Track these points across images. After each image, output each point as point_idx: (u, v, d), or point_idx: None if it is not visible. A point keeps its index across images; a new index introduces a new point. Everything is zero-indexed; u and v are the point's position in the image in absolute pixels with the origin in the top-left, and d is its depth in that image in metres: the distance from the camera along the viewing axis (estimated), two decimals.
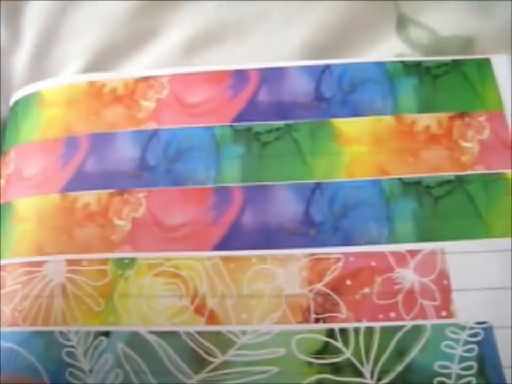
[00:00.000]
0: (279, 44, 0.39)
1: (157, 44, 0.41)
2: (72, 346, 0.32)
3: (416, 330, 0.31)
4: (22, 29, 0.43)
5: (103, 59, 0.41)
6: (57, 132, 0.37)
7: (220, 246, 0.33)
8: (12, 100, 0.39)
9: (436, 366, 0.30)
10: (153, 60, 0.40)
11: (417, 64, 0.36)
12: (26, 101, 0.38)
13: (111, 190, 0.35)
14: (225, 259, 0.33)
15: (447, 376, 0.30)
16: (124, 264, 0.33)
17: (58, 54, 0.41)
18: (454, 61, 0.36)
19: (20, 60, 0.42)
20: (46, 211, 0.35)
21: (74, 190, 0.35)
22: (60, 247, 0.34)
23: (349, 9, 0.40)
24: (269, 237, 0.33)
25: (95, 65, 0.40)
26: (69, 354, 0.32)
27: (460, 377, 0.30)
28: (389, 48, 0.38)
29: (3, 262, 0.35)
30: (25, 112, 0.38)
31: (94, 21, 0.42)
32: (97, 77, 0.38)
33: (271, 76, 0.36)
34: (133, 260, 0.33)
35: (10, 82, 0.42)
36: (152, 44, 0.41)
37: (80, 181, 0.35)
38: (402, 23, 0.39)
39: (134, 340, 0.32)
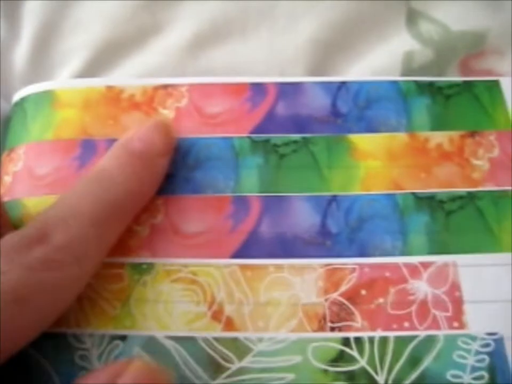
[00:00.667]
0: (285, 41, 0.39)
1: (161, 40, 0.40)
2: (86, 350, 0.31)
3: (429, 340, 0.31)
4: (22, 23, 0.41)
5: (105, 55, 0.40)
6: (72, 133, 0.36)
7: (237, 254, 0.33)
8: (17, 96, 0.39)
9: (449, 375, 0.30)
10: (157, 56, 0.39)
11: (430, 84, 0.36)
12: (37, 98, 0.37)
13: None
14: (243, 267, 0.33)
15: None
16: (142, 269, 0.33)
17: (59, 50, 0.41)
18: (465, 82, 0.36)
19: (20, 55, 0.41)
20: None
21: None
22: None
23: (357, 5, 0.39)
24: (286, 246, 0.33)
25: (97, 61, 0.40)
26: (82, 357, 0.31)
27: None
28: (398, 44, 0.38)
29: None
30: (36, 110, 0.37)
31: (96, 16, 0.41)
32: (115, 81, 0.37)
33: (288, 90, 0.36)
34: (151, 266, 0.33)
35: (10, 78, 0.41)
36: (156, 40, 0.40)
37: None
38: (412, 18, 0.39)
39: (151, 345, 0.31)
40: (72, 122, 0.36)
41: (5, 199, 0.36)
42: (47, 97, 0.38)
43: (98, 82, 0.38)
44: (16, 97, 0.39)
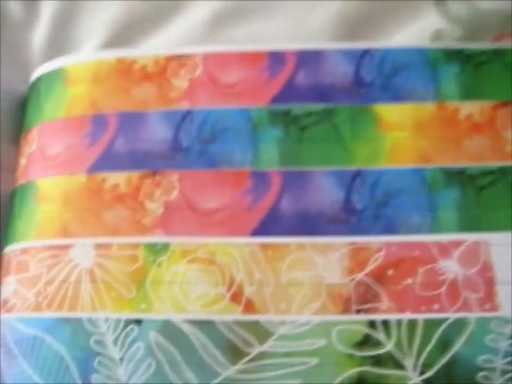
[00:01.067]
0: (308, 19, 0.37)
1: (181, 19, 0.38)
2: (101, 334, 0.30)
3: (460, 323, 0.29)
4: (40, 3, 0.39)
5: (124, 34, 0.38)
6: (83, 109, 0.34)
7: (257, 232, 0.31)
8: (33, 77, 0.36)
9: (480, 360, 0.28)
10: (177, 35, 0.37)
11: (459, 52, 0.33)
12: (50, 77, 0.35)
13: (142, 171, 0.32)
14: (263, 246, 0.30)
15: (491, 370, 0.28)
16: (157, 250, 0.31)
17: (78, 29, 0.39)
18: (495, 49, 0.34)
19: (38, 36, 0.39)
20: (71, 192, 0.32)
21: (102, 170, 0.32)
22: (87, 230, 0.32)
23: None
24: (308, 224, 0.31)
25: (116, 41, 0.38)
26: (98, 342, 0.30)
27: (504, 372, 0.28)
28: (426, 24, 0.36)
29: (26, 244, 0.32)
30: (48, 89, 0.35)
31: None
32: (126, 53, 0.35)
33: (308, 58, 0.34)
34: (166, 245, 0.31)
35: (28, 59, 0.39)
36: (176, 19, 0.38)
37: (108, 161, 0.33)
38: None
39: (167, 329, 0.29)
40: (83, 98, 0.34)
41: (21, 181, 0.34)
42: (59, 75, 0.35)
43: (108, 55, 0.35)
44: (32, 78, 0.37)
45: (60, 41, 0.39)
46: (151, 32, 0.38)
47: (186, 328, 0.29)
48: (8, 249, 0.33)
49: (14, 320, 0.31)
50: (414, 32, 0.36)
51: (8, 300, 0.32)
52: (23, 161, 0.35)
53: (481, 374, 0.28)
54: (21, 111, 0.37)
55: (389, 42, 0.36)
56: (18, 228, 0.33)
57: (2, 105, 0.36)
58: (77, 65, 0.35)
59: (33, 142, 0.34)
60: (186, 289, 0.30)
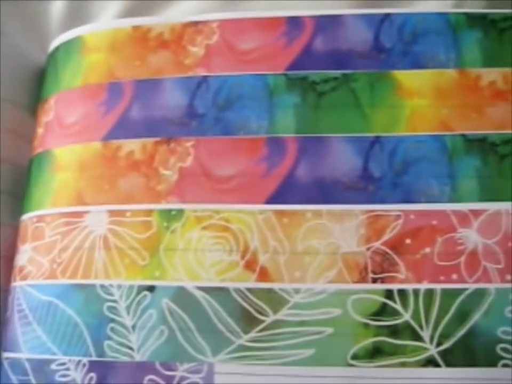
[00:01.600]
0: None
1: None
2: (114, 301, 0.29)
3: (479, 294, 0.28)
4: None
5: (143, 3, 0.37)
6: (99, 77, 0.33)
7: (272, 199, 0.30)
8: (52, 46, 0.36)
9: (499, 332, 0.27)
10: (193, 6, 0.37)
11: (482, 17, 0.32)
12: (67, 46, 0.35)
13: (157, 138, 0.31)
14: (278, 213, 0.30)
15: (511, 342, 0.27)
16: (171, 216, 0.30)
17: (95, 1, 0.38)
18: None
19: (56, 6, 0.38)
20: (87, 159, 0.32)
21: (118, 138, 0.32)
22: (102, 197, 0.31)
23: None
24: (325, 191, 0.30)
25: (134, 10, 0.37)
26: (111, 309, 0.29)
27: None
28: None
29: (42, 212, 0.32)
30: (66, 58, 0.34)
31: None
32: (142, 21, 0.34)
33: (327, 23, 0.32)
34: (180, 212, 0.30)
35: (47, 29, 0.38)
36: None
37: (123, 128, 0.32)
38: None
39: (180, 296, 0.29)
40: (100, 67, 0.34)
41: (38, 150, 0.34)
42: (76, 44, 0.35)
43: (124, 23, 0.34)
44: (50, 47, 0.36)
45: (78, 11, 0.38)
46: (167, 3, 0.37)
47: (199, 295, 0.29)
48: (25, 217, 0.32)
49: (29, 287, 0.31)
50: (436, 1, 0.34)
51: (24, 267, 0.31)
52: (40, 130, 0.34)
53: (501, 345, 0.27)
54: (40, 81, 0.36)
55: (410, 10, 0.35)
56: (34, 197, 0.33)
57: (22, 74, 0.36)
58: (94, 34, 0.34)
59: (51, 111, 0.34)
60: (200, 256, 0.29)
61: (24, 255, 0.32)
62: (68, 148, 0.32)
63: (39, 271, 0.31)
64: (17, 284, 0.31)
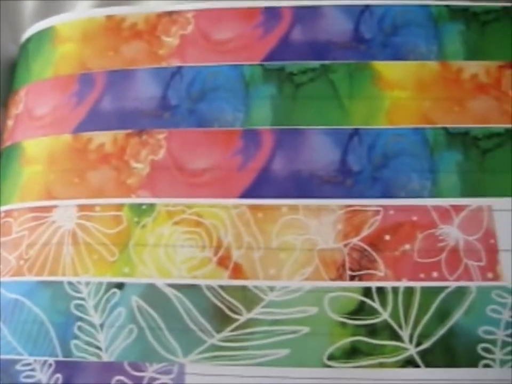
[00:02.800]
0: None
1: None
2: (82, 299, 0.28)
3: (460, 292, 0.26)
4: None
5: None
6: (71, 68, 0.32)
7: (247, 194, 0.28)
8: (24, 37, 0.34)
9: (480, 331, 0.26)
10: None
11: (464, 9, 0.31)
12: (39, 37, 0.33)
13: (129, 131, 0.30)
14: (253, 208, 0.28)
15: (492, 342, 0.26)
16: (141, 211, 0.28)
17: None
18: (504, 7, 0.31)
19: None
20: (57, 152, 0.30)
21: (88, 130, 0.30)
22: (71, 191, 0.29)
23: None
24: (301, 185, 0.28)
25: (107, 2, 0.35)
26: (78, 307, 0.27)
27: (505, 344, 0.26)
28: None
29: (9, 207, 0.30)
30: (37, 49, 0.33)
31: None
32: (116, 11, 0.32)
33: (305, 14, 0.31)
34: (151, 206, 0.28)
35: (20, 20, 0.37)
36: None
37: (94, 120, 0.30)
38: None
39: (150, 293, 0.27)
40: (71, 57, 0.32)
41: (7, 143, 0.32)
42: (48, 34, 0.33)
43: (98, 13, 0.33)
44: (22, 38, 0.35)
45: (50, 4, 0.36)
46: None
47: (170, 292, 0.27)
48: None
49: None
50: None
51: None
52: (10, 122, 0.33)
53: (482, 345, 0.26)
54: (11, 72, 0.35)
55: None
56: (3, 191, 0.31)
57: None
58: (66, 24, 0.33)
59: (20, 103, 0.32)
60: (171, 252, 0.28)
61: None
62: (37, 141, 0.31)
63: (5, 268, 0.29)
64: None
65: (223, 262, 0.27)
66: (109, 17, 0.32)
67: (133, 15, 0.32)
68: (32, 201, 0.30)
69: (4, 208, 0.30)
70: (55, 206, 0.29)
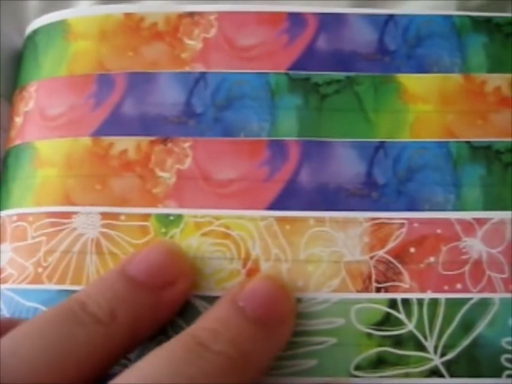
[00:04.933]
0: None
1: None
2: None
3: (483, 304, 0.27)
4: None
5: None
6: (87, 67, 0.31)
7: (274, 205, 0.29)
8: (30, 29, 0.33)
9: (503, 342, 0.27)
10: None
11: (487, 21, 0.31)
12: (49, 30, 0.32)
13: (153, 137, 0.30)
14: (280, 219, 0.28)
15: None
16: (169, 221, 0.28)
17: None
18: None
19: None
20: (75, 156, 0.30)
21: (109, 134, 0.30)
22: (93, 198, 0.29)
23: None
24: (328, 198, 0.29)
25: None
26: None
27: None
28: None
29: (22, 210, 0.30)
30: (48, 43, 0.32)
31: None
32: (135, 8, 0.32)
33: (330, 21, 0.31)
34: (179, 217, 0.28)
35: (25, 10, 0.35)
36: None
37: (115, 124, 0.30)
38: None
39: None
40: (87, 55, 0.31)
41: (16, 142, 0.31)
42: (60, 28, 0.32)
43: (115, 9, 0.32)
44: (28, 30, 0.34)
45: None
46: None
47: (199, 304, 0.27)
48: (2, 214, 0.30)
49: (9, 291, 0.29)
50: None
51: (3, 269, 0.29)
52: (18, 120, 0.32)
53: (505, 356, 0.27)
54: (15, 64, 0.34)
55: (414, 2, 0.34)
56: (13, 193, 0.30)
57: None
58: (81, 19, 0.32)
59: (30, 99, 0.31)
60: (200, 264, 0.28)
61: (3, 256, 0.29)
62: (52, 142, 0.30)
63: (21, 275, 0.29)
64: None
65: (251, 274, 0.28)
66: (128, 14, 0.32)
67: (153, 14, 0.31)
68: (49, 206, 0.29)
69: (16, 211, 0.30)
70: (75, 212, 0.29)
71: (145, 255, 0.26)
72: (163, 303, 0.25)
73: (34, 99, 0.31)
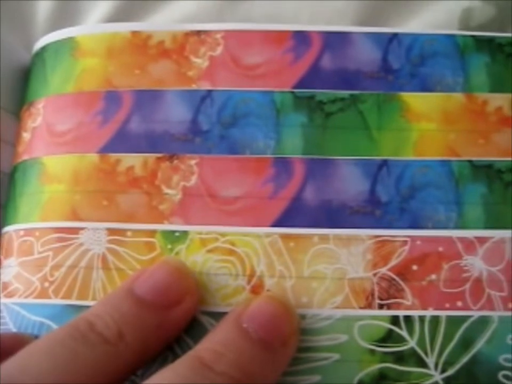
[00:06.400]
0: None
1: None
2: None
3: (483, 322, 0.28)
4: None
5: (133, 4, 0.35)
6: (95, 84, 0.31)
7: (279, 223, 0.29)
8: (38, 45, 0.34)
9: (501, 359, 0.27)
10: (191, 4, 0.35)
11: (490, 40, 0.32)
12: (57, 47, 0.33)
13: (159, 154, 0.30)
14: (285, 236, 0.29)
15: None
16: (175, 237, 0.29)
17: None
18: None
19: (43, 3, 0.36)
20: (82, 172, 0.30)
21: (116, 151, 0.30)
22: (100, 214, 0.30)
23: None
24: (332, 215, 0.29)
25: (126, 8, 0.35)
26: None
27: None
28: (456, 0, 0.34)
29: (30, 225, 0.30)
30: (56, 60, 0.33)
31: None
32: (142, 26, 0.32)
33: (335, 40, 0.32)
34: (185, 234, 0.29)
35: (32, 26, 0.36)
36: None
37: (122, 141, 0.30)
38: None
39: None
40: (95, 73, 0.32)
41: (24, 157, 0.32)
42: (68, 45, 0.33)
43: (123, 27, 0.33)
44: (37, 46, 0.34)
45: (65, 8, 0.36)
46: (160, 5, 0.36)
47: (205, 320, 0.28)
48: (10, 229, 0.31)
49: (16, 305, 0.29)
50: (443, 9, 0.34)
51: (9, 283, 0.30)
52: (26, 135, 0.32)
53: (502, 372, 0.27)
54: (23, 81, 0.34)
55: (416, 20, 0.34)
56: (21, 208, 0.31)
57: (5, 74, 0.33)
58: (89, 36, 0.32)
59: (38, 116, 0.32)
60: (206, 280, 0.28)
61: (9, 270, 0.30)
62: (59, 158, 0.31)
63: (28, 289, 0.29)
64: (1, 301, 0.30)
65: (256, 290, 0.28)
66: (135, 33, 0.32)
67: (160, 32, 0.32)
68: (56, 221, 0.30)
69: (23, 226, 0.30)
70: (82, 228, 0.29)
71: (151, 273, 0.27)
72: (170, 322, 0.26)
73: (42, 115, 0.32)
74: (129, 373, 0.25)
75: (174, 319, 0.26)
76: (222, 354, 0.24)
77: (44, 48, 0.33)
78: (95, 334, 0.24)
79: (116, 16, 0.35)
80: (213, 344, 0.25)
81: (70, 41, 0.33)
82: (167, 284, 0.26)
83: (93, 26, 0.34)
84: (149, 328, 0.25)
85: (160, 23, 0.34)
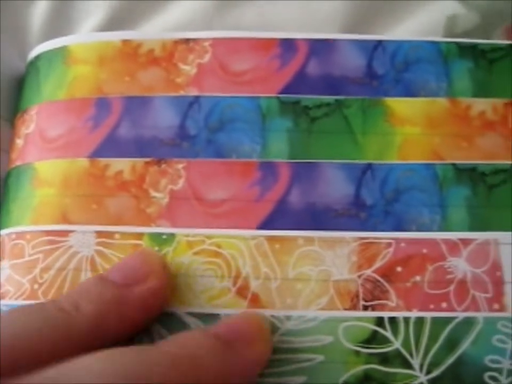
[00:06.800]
0: (318, 5, 0.35)
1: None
2: None
3: (468, 323, 0.28)
4: None
5: (126, 11, 0.36)
6: (86, 91, 0.32)
7: (265, 225, 0.29)
8: (32, 54, 0.34)
9: (487, 360, 0.28)
10: (181, 13, 0.36)
11: (473, 47, 0.32)
12: (50, 55, 0.33)
13: (147, 159, 0.31)
14: (270, 239, 0.29)
15: (498, 371, 0.27)
16: (162, 240, 0.29)
17: (79, 6, 0.37)
18: (510, 45, 0.33)
19: (38, 11, 0.37)
20: (72, 176, 0.31)
21: (106, 156, 0.31)
22: (89, 217, 0.30)
23: None
24: (317, 218, 0.30)
25: (118, 17, 0.36)
26: None
27: (510, 373, 0.27)
28: (441, 8, 0.35)
29: (21, 228, 0.31)
30: (49, 68, 0.33)
31: None
32: (132, 35, 0.33)
33: (320, 47, 0.32)
34: (172, 236, 0.29)
35: (27, 36, 0.37)
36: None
37: (112, 146, 0.31)
38: None
39: (171, 322, 0.28)
40: (86, 80, 0.33)
41: (17, 163, 0.32)
42: (60, 54, 0.33)
43: (114, 36, 0.33)
44: (31, 55, 0.35)
45: (59, 18, 0.37)
46: (153, 10, 0.36)
47: (190, 321, 0.28)
48: (2, 233, 0.31)
49: (6, 307, 0.29)
50: (428, 16, 0.35)
51: (0, 286, 0.30)
52: (19, 142, 0.33)
53: (488, 374, 0.27)
54: (18, 89, 0.35)
55: (401, 27, 0.35)
56: (13, 212, 0.32)
57: (1, 83, 0.34)
58: (81, 45, 0.33)
59: (31, 122, 0.33)
60: (191, 282, 0.29)
61: (2, 273, 0.30)
62: (50, 163, 0.31)
63: (18, 291, 0.30)
64: None
65: (241, 292, 0.29)
66: (125, 41, 0.33)
67: (150, 41, 0.33)
68: (47, 224, 0.30)
69: (15, 229, 0.31)
70: (71, 231, 0.30)
71: (121, 260, 0.28)
72: (132, 299, 0.26)
73: (35, 122, 0.33)
74: (84, 345, 0.25)
75: (137, 296, 0.26)
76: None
77: (37, 57, 0.34)
78: (53, 303, 0.25)
79: (109, 25, 0.36)
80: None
81: (63, 49, 0.33)
82: (129, 264, 0.27)
83: (86, 35, 0.35)
84: (108, 302, 0.26)
85: (150, 31, 0.35)
